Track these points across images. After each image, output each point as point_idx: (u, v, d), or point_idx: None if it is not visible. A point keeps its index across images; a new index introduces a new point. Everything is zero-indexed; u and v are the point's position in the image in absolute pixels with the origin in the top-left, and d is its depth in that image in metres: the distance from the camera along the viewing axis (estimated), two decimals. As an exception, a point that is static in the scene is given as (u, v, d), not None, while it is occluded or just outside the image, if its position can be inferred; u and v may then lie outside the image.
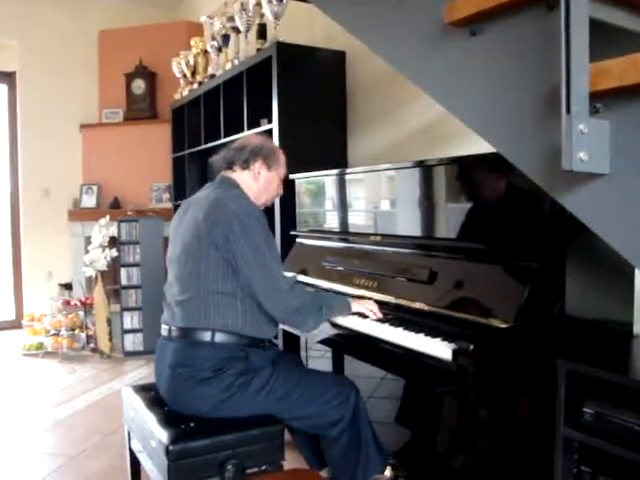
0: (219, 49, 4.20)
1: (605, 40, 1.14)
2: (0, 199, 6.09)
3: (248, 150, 2.21)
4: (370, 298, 2.23)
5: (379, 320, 2.10)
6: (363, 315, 2.16)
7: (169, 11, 6.39)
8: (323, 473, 2.21)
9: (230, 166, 2.22)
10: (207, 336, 1.99)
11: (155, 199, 5.80)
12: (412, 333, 1.91)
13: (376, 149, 3.39)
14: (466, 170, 2.09)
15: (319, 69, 3.48)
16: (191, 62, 4.72)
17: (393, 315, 2.11)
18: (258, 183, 2.21)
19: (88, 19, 5.96)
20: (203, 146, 4.47)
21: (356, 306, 2.16)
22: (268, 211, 2.42)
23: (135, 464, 2.30)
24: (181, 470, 1.83)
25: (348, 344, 2.29)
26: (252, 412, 1.99)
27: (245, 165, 2.20)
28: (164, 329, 2.11)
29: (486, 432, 1.93)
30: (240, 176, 2.20)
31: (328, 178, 2.89)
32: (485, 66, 1.28)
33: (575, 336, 1.73)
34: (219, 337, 1.99)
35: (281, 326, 2.53)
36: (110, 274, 5.15)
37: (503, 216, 1.92)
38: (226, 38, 4.09)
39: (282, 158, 2.31)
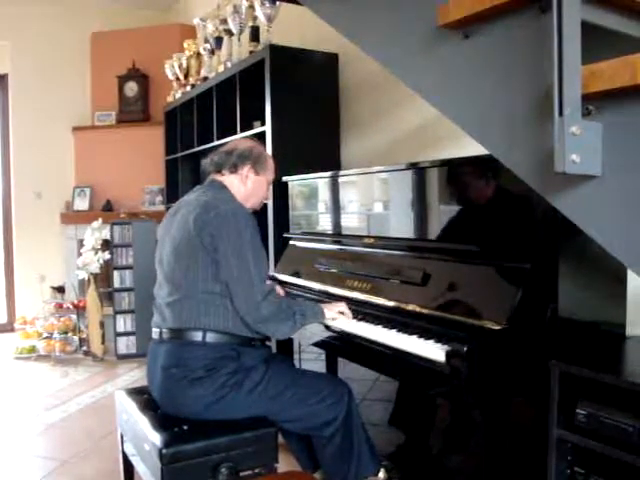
0: (212, 51, 4.20)
1: (597, 42, 1.15)
2: (-8, 202, 6.06)
3: (237, 154, 2.23)
4: (366, 302, 2.23)
5: (372, 322, 2.10)
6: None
7: (162, 13, 6.38)
8: (316, 475, 2.21)
9: (219, 169, 2.23)
10: (198, 336, 1.99)
11: (148, 202, 5.78)
12: (405, 335, 1.92)
13: (369, 151, 3.39)
14: (459, 172, 2.09)
15: (312, 71, 3.48)
16: (184, 64, 4.72)
17: (386, 317, 2.11)
18: (246, 187, 2.23)
19: (80, 21, 5.94)
20: (196, 149, 4.46)
21: (329, 312, 2.17)
22: (261, 213, 2.42)
23: (128, 467, 2.29)
24: (174, 473, 1.83)
25: (341, 346, 2.28)
26: (245, 412, 1.99)
27: (233, 169, 2.21)
28: (155, 332, 2.11)
29: (480, 433, 1.93)
30: (228, 179, 2.22)
31: (321, 180, 2.89)
32: (478, 68, 1.28)
33: (568, 337, 1.74)
34: (210, 337, 2.00)
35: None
36: (103, 277, 5.14)
37: (496, 218, 1.92)
38: (219, 40, 4.08)
39: (270, 163, 2.33)
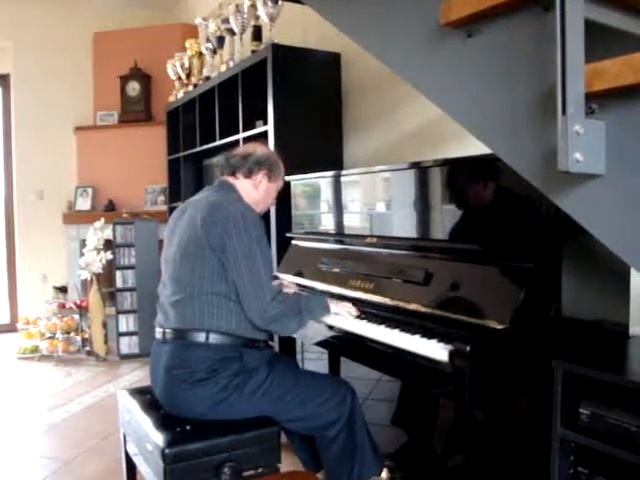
0: (214, 51, 4.20)
1: (600, 41, 1.14)
2: (-5, 202, 6.07)
3: (253, 160, 2.24)
4: (368, 301, 2.23)
5: (374, 322, 2.10)
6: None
7: (164, 13, 6.38)
8: (319, 475, 2.21)
9: (233, 172, 2.24)
10: (201, 337, 1.99)
11: (150, 202, 5.79)
12: (408, 335, 1.91)
13: (372, 151, 3.39)
14: (462, 171, 2.09)
15: (314, 71, 3.48)
16: (186, 64, 4.72)
17: (389, 316, 2.10)
18: (258, 192, 2.25)
19: (83, 21, 5.95)
20: (198, 148, 4.46)
21: (334, 307, 2.18)
22: (264, 213, 2.42)
23: (131, 467, 2.29)
24: (177, 473, 1.83)
25: (344, 346, 2.28)
26: (248, 413, 1.99)
27: (248, 174, 2.23)
28: (158, 332, 2.11)
29: (483, 433, 1.93)
30: (240, 183, 2.23)
31: (324, 180, 2.89)
32: (481, 67, 1.28)
33: (571, 337, 1.73)
34: (213, 338, 1.99)
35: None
36: (105, 277, 5.14)
37: (499, 217, 1.92)
38: (221, 40, 4.08)
39: (283, 170, 2.35)
